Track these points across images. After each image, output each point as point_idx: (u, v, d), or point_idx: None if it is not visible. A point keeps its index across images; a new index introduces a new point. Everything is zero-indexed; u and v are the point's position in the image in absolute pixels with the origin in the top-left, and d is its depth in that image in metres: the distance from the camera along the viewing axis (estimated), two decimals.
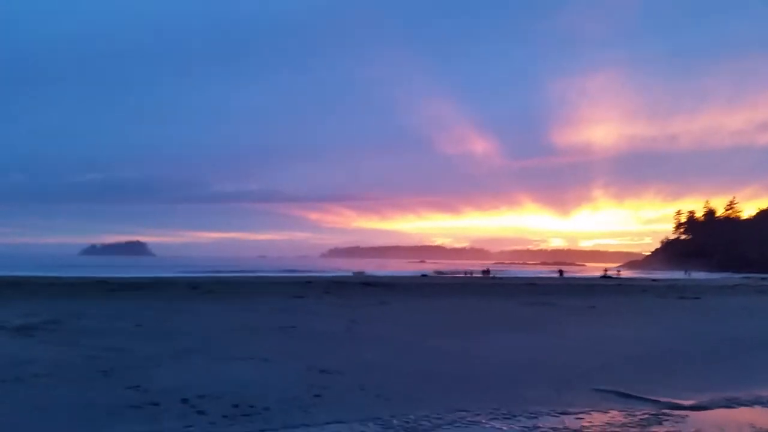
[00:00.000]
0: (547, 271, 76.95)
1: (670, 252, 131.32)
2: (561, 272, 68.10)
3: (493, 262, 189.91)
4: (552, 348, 10.19)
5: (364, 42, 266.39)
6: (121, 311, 14.46)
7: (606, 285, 36.89)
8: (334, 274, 49.84)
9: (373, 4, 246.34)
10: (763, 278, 56.27)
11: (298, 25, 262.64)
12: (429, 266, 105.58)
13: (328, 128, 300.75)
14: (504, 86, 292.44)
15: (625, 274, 71.29)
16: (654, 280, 51.38)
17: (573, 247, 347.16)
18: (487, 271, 62.74)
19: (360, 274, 56.13)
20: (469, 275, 57.46)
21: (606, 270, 74.20)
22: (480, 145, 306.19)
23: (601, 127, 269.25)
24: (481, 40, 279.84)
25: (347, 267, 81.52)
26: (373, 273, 58.19)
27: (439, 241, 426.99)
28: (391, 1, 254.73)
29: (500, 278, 50.13)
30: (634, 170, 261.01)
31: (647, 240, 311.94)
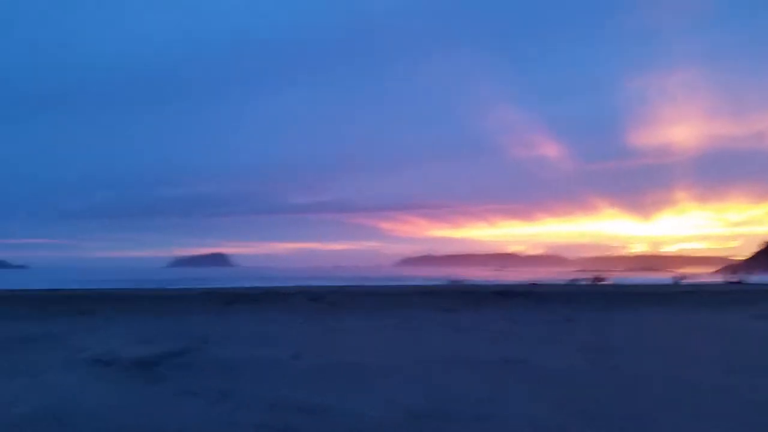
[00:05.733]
0: (660, 278, 69.86)
1: None
2: (680, 278, 61.29)
3: (576, 269, 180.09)
4: None
5: (432, 48, 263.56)
6: (259, 333, 11.11)
7: None
8: (439, 283, 45.80)
9: (438, 9, 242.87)
10: None
11: (365, 32, 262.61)
12: (520, 275, 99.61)
13: (398, 137, 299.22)
14: (576, 87, 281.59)
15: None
16: None
17: (655, 252, 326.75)
18: (599, 278, 56.92)
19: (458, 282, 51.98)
20: (576, 282, 52.05)
21: (733, 274, 66.62)
22: (553, 149, 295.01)
23: (681, 126, 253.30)
24: (551, 39, 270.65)
25: (436, 275, 77.36)
26: (474, 281, 53.89)
27: (513, 249, 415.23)
28: (456, 5, 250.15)
29: (625, 286, 44.61)
30: (718, 170, 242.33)
31: (736, 243, 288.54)
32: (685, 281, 55.59)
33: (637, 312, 16.74)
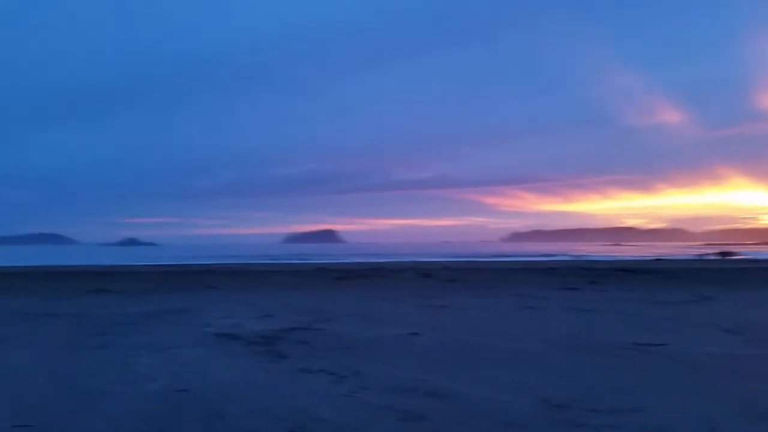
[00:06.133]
0: None
1: None
2: None
3: (702, 243, 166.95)
4: None
5: (540, 14, 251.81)
6: (374, 309, 11.02)
7: None
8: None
9: None
10: None
11: (468, 5, 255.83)
12: (641, 250, 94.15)
13: (502, 108, 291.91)
14: (699, 47, 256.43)
15: None
16: None
17: None
18: (728, 253, 52.45)
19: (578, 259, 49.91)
20: (704, 257, 48.13)
21: None
22: (673, 115, 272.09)
23: None
24: None
25: (549, 251, 74.83)
26: (590, 257, 51.56)
27: (631, 223, 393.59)
28: None
29: (760, 261, 40.69)
30: None
31: None
32: None
33: None
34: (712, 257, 49.74)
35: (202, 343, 7.52)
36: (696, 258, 49.02)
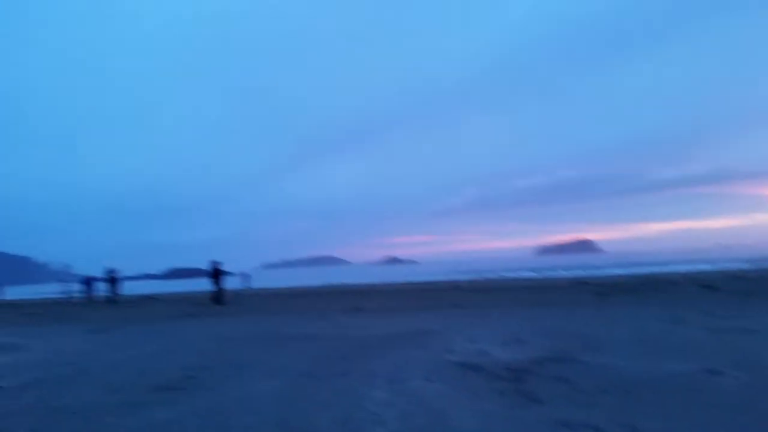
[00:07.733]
0: None
1: None
2: None
3: None
4: None
5: None
6: (652, 335, 8.98)
7: None
8: None
9: None
10: None
11: None
12: None
13: None
14: None
15: None
16: None
17: None
18: None
19: None
20: None
21: None
22: None
23: None
24: None
25: None
26: None
27: None
28: None
29: None
30: None
31: None
32: None
33: None
34: None
35: (441, 375, 6.57)
36: None
